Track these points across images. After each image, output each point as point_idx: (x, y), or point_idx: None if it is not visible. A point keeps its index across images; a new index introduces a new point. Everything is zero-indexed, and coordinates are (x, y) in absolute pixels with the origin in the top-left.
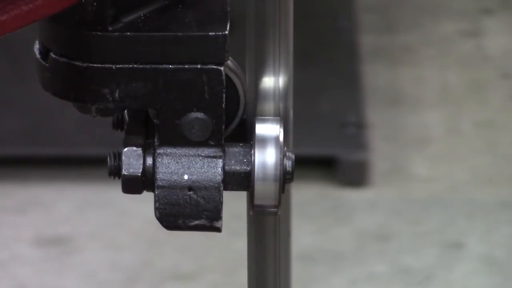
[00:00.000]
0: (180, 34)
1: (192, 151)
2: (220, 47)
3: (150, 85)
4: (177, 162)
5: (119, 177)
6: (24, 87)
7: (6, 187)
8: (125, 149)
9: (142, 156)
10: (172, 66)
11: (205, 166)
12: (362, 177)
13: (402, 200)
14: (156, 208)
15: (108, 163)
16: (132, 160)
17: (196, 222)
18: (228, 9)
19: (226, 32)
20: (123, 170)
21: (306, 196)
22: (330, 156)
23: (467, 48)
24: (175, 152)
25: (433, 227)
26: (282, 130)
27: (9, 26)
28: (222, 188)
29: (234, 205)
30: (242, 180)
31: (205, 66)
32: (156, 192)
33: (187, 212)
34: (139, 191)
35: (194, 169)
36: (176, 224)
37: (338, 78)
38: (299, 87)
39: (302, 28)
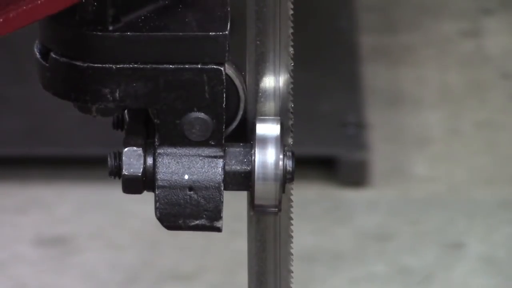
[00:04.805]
0: (181, 34)
1: (193, 151)
2: (220, 47)
3: (151, 85)
4: (178, 162)
5: (119, 177)
6: (24, 87)
7: (6, 187)
8: (126, 149)
9: (142, 156)
10: (173, 66)
11: (206, 166)
12: (362, 177)
13: (402, 200)
14: (156, 208)
15: (109, 163)
16: (133, 160)
17: (197, 222)
18: (228, 9)
19: (227, 32)
20: (123, 170)
21: (306, 196)
22: (330, 156)
23: (467, 48)
24: (176, 152)
25: (433, 227)
26: (282, 130)
27: (10, 25)
28: (222, 188)
29: (234, 205)
30: (242, 180)
31: (206, 66)
32: (157, 192)
33: (188, 212)
34: (139, 191)
35: (194, 169)
36: (176, 224)
37: (338, 78)
38: (299, 87)
39: (302, 28)
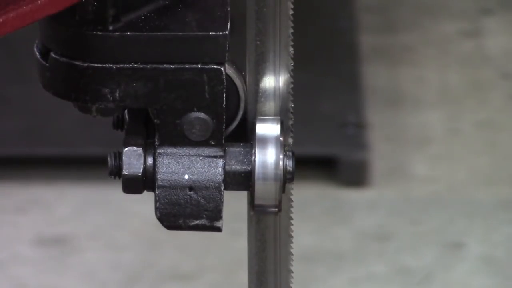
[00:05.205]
0: (181, 34)
1: (193, 151)
2: (220, 47)
3: (151, 85)
4: (178, 162)
5: (119, 177)
6: (24, 87)
7: (6, 187)
8: (126, 149)
9: (142, 156)
10: (173, 66)
11: (206, 166)
12: (362, 177)
13: (402, 200)
14: (156, 208)
15: (109, 163)
16: (133, 160)
17: (197, 222)
18: (229, 9)
19: (227, 32)
20: (123, 170)
21: (306, 196)
22: (330, 156)
23: (467, 48)
24: (176, 152)
25: (433, 227)
26: (282, 130)
27: (10, 25)
28: (222, 188)
29: (234, 205)
30: (242, 180)
31: (206, 66)
32: (157, 192)
33: (188, 212)
34: (139, 191)
35: (194, 169)
36: (176, 224)
37: (338, 78)
38: (299, 87)
39: (302, 28)
